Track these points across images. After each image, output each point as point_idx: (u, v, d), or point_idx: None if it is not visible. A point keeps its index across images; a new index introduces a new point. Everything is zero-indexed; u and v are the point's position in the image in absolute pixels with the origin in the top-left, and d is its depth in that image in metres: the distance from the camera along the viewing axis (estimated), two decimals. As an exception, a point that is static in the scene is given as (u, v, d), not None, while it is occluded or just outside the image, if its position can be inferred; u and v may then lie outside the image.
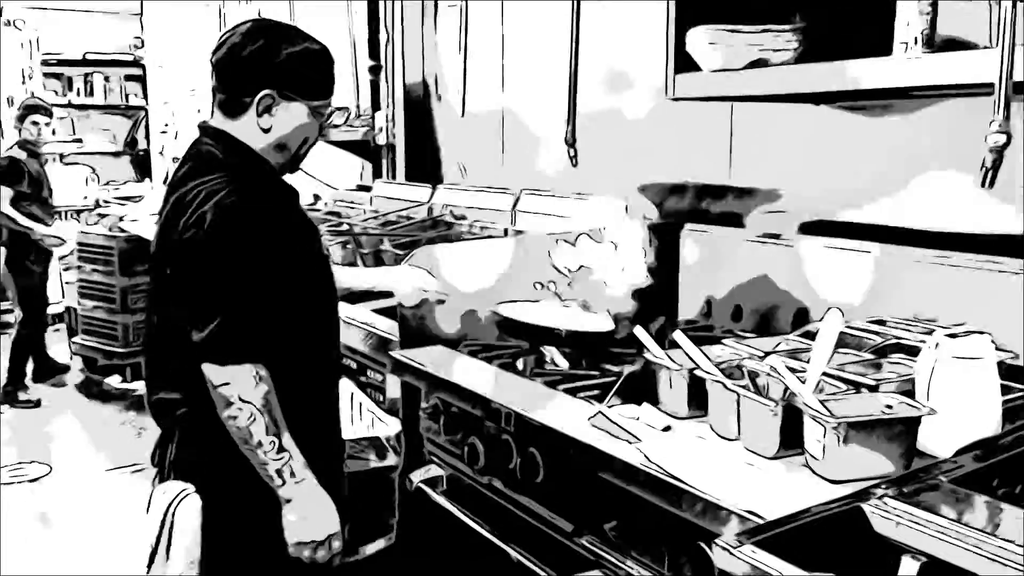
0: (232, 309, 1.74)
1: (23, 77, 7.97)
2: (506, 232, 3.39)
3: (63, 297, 6.46)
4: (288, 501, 1.78)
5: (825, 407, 1.51)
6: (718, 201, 2.76)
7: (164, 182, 6.60)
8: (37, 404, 5.63)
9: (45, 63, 8.11)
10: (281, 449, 1.75)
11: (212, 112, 1.91)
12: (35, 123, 5.72)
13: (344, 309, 2.93)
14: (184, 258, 1.78)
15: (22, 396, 5.66)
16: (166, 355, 1.90)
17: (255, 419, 1.72)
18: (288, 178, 1.97)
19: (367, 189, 4.53)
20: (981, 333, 1.59)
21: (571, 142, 2.94)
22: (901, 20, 1.73)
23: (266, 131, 1.85)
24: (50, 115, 5.87)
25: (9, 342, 5.86)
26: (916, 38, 1.69)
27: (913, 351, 1.79)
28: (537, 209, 3.29)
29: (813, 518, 1.32)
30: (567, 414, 1.87)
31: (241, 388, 1.72)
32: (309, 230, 1.97)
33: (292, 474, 1.76)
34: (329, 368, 2.02)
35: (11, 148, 5.81)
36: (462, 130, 4.05)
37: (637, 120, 3.04)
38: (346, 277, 2.42)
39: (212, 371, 1.72)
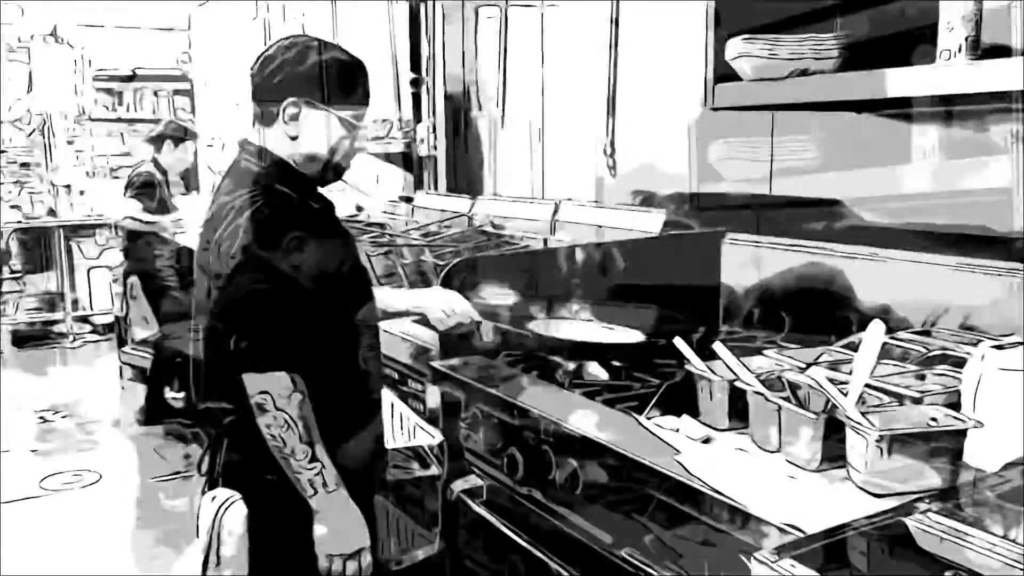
0: (265, 319, 1.77)
1: (75, 92, 8.19)
2: (545, 242, 3.39)
3: (112, 307, 6.60)
4: (318, 512, 1.80)
5: (867, 419, 1.49)
6: (759, 210, 2.74)
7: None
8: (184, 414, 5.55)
9: (96, 79, 8.32)
10: (313, 459, 1.77)
11: (252, 123, 1.96)
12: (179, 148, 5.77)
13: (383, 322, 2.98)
14: (220, 269, 1.82)
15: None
16: (212, 364, 1.94)
17: (289, 428, 1.75)
18: (331, 188, 2.01)
19: (409, 200, 4.57)
20: (1028, 344, 1.56)
21: (610, 152, 2.93)
22: (944, 26, 1.70)
23: (293, 139, 1.89)
24: (194, 138, 5.92)
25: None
26: (960, 45, 1.66)
27: (959, 362, 1.76)
28: (577, 219, 3.29)
29: (855, 532, 1.31)
30: (606, 425, 1.87)
31: (276, 397, 1.75)
32: (344, 241, 2.00)
33: (324, 484, 1.79)
34: (367, 380, 2.04)
35: (143, 164, 5.80)
36: (502, 140, 4.07)
37: (676, 129, 3.03)
38: (378, 300, 2.41)
39: (249, 380, 1.76)
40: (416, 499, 2.59)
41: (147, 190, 5.62)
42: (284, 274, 1.80)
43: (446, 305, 2.31)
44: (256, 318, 1.78)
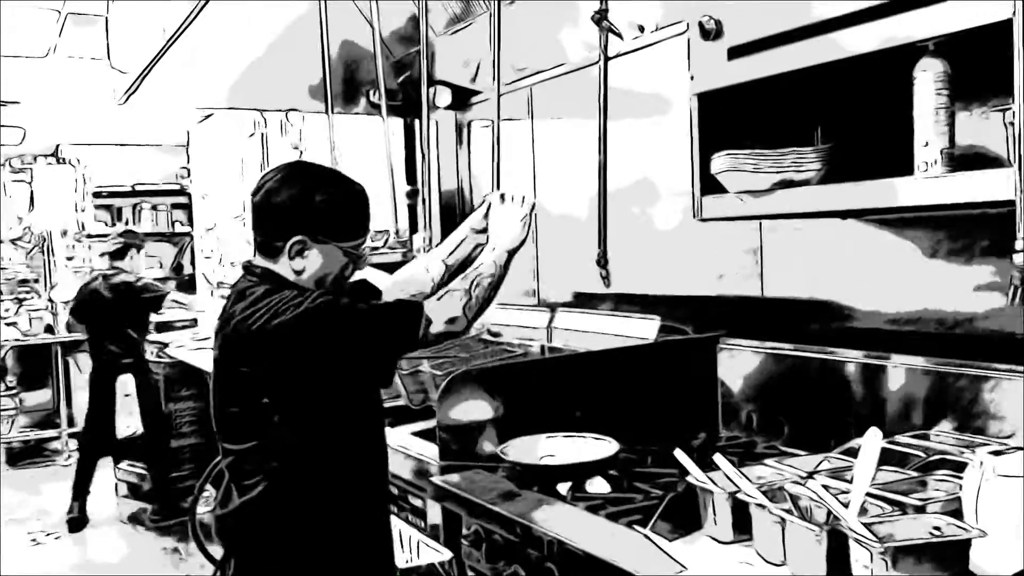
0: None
1: (76, 209, 8.33)
2: (543, 349, 3.42)
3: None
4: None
5: (871, 531, 1.49)
6: (752, 314, 2.78)
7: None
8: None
9: (96, 195, 8.48)
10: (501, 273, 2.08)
11: (254, 252, 2.00)
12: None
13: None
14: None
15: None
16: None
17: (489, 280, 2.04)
18: None
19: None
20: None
21: (603, 263, 2.98)
22: (920, 140, 1.77)
23: (298, 272, 1.93)
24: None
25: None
26: (936, 159, 1.73)
27: (959, 466, 1.76)
28: (573, 326, 3.33)
29: (865, 651, 1.29)
30: (610, 541, 1.85)
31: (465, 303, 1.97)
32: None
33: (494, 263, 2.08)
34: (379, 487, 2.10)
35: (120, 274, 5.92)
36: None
37: (668, 236, 3.10)
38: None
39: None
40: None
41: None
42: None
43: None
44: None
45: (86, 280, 6.10)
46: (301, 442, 1.87)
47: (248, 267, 1.99)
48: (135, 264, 5.89)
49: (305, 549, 1.89)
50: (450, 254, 2.40)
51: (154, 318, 5.89)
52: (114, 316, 5.72)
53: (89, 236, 8.41)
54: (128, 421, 6.04)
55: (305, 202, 1.89)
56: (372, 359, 1.92)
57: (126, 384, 5.85)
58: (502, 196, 2.31)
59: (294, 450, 1.88)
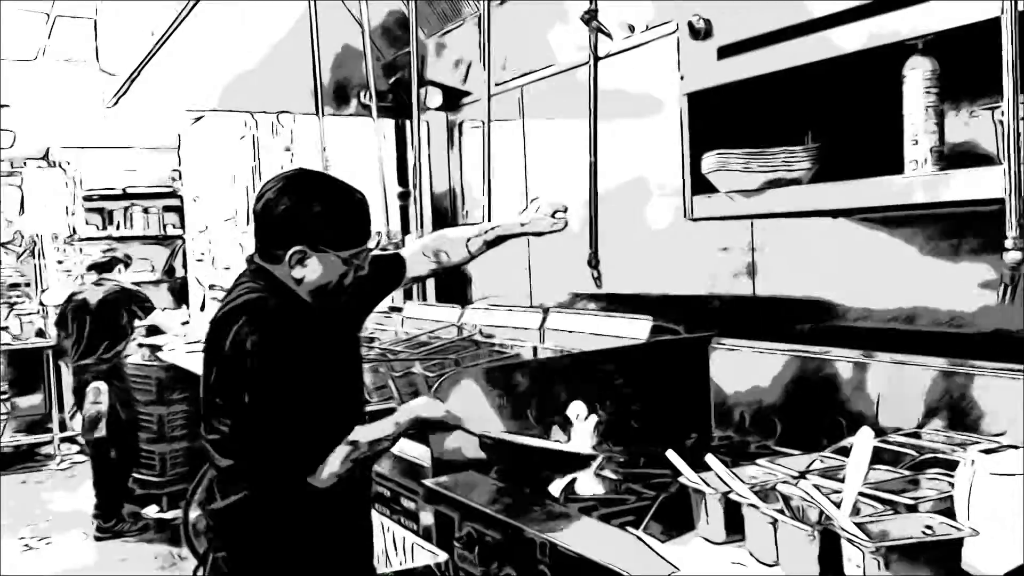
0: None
1: (66, 213, 8.30)
2: (535, 351, 3.41)
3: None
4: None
5: (863, 531, 1.49)
6: (744, 314, 2.77)
7: (200, 309, 6.76)
8: (145, 528, 5.69)
9: (87, 198, 8.45)
10: (395, 438, 2.03)
11: (254, 255, 2.01)
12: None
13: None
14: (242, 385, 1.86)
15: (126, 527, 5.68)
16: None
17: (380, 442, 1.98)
18: None
19: (398, 310, 4.60)
20: (1016, 448, 1.56)
21: (594, 264, 2.98)
22: (909, 138, 1.77)
23: (299, 281, 1.94)
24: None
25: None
26: (926, 157, 1.73)
27: (951, 465, 1.76)
28: (565, 326, 3.32)
29: (858, 651, 1.29)
30: (602, 543, 1.85)
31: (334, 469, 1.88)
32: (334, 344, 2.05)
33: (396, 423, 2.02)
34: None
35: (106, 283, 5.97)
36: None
37: (659, 236, 3.09)
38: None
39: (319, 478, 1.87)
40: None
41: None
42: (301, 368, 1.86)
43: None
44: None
45: (71, 292, 6.11)
46: (276, 446, 1.87)
47: (248, 259, 2.02)
48: (122, 280, 5.97)
49: (284, 552, 1.89)
50: (487, 238, 2.43)
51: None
52: (100, 323, 5.75)
53: (80, 239, 8.39)
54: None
55: (304, 213, 1.90)
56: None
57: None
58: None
59: (269, 453, 1.88)
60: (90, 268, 6.02)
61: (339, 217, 1.94)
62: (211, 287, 7.20)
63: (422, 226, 4.53)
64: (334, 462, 1.90)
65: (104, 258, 6.02)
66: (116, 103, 4.49)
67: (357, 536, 2.16)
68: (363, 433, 1.99)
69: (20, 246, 8.11)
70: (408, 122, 4.57)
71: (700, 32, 2.10)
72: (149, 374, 5.77)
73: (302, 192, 1.93)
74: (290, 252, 1.90)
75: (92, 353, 5.78)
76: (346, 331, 2.15)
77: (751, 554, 1.72)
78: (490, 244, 2.44)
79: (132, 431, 5.75)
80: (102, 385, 5.72)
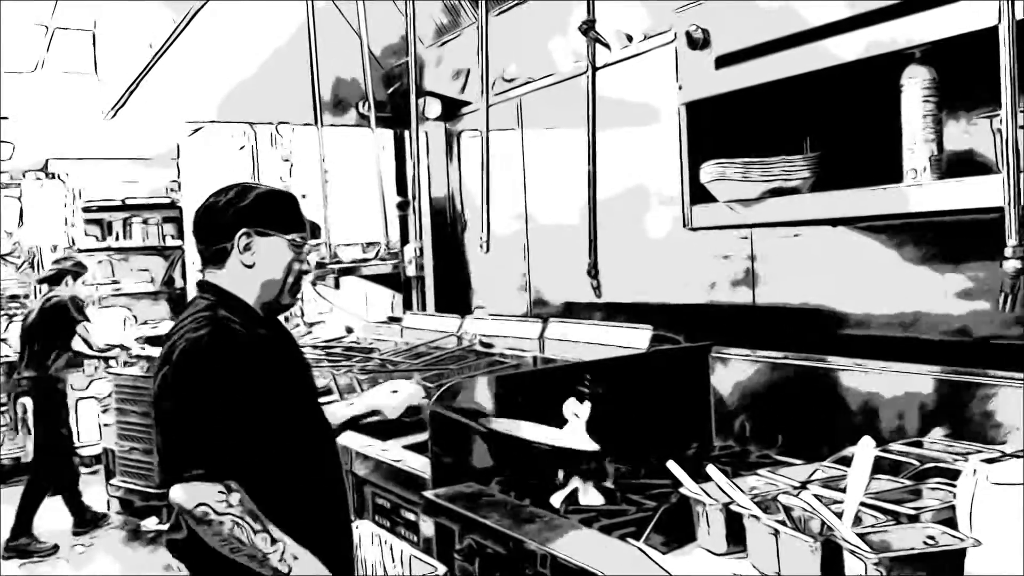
0: (196, 432, 1.83)
1: (65, 224, 8.29)
2: (535, 360, 3.41)
3: (101, 439, 6.51)
4: None
5: (865, 541, 1.48)
6: (744, 323, 2.77)
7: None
8: (55, 550, 5.61)
9: (86, 210, 8.44)
10: (274, 541, 1.81)
11: (203, 268, 2.09)
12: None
13: (376, 446, 2.95)
14: (157, 395, 1.91)
15: (33, 546, 5.62)
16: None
17: (239, 525, 1.78)
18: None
19: (398, 320, 4.59)
20: (1018, 457, 1.56)
21: (594, 274, 2.97)
22: (908, 147, 1.77)
23: (250, 267, 2.02)
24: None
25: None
26: (924, 166, 1.73)
27: (953, 474, 1.76)
28: (565, 336, 3.31)
29: (861, 664, 1.28)
30: (603, 554, 1.84)
31: (214, 504, 1.77)
32: (282, 364, 2.06)
33: (294, 557, 1.82)
34: (322, 493, 2.07)
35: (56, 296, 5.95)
36: (488, 258, 4.13)
37: (658, 245, 3.09)
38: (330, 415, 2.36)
39: (180, 495, 1.79)
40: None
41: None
42: (217, 392, 1.85)
43: (399, 396, 2.37)
44: (187, 430, 1.84)
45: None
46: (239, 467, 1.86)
47: (199, 282, 2.10)
48: (73, 291, 5.94)
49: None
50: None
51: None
52: (34, 338, 5.81)
53: (79, 250, 8.37)
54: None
55: (242, 200, 2.03)
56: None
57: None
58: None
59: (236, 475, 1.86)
60: (40, 282, 6.04)
61: (275, 201, 2.07)
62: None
63: (421, 236, 4.52)
64: None
65: (51, 271, 6.04)
66: (115, 114, 4.49)
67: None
68: None
69: (19, 258, 8.10)
70: (407, 132, 4.57)
71: (698, 42, 2.10)
72: (147, 386, 5.76)
73: (239, 189, 2.06)
74: (237, 236, 2.00)
75: (28, 368, 5.83)
76: (291, 351, 2.16)
77: (753, 565, 1.72)
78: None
79: (51, 450, 5.76)
80: (28, 401, 5.74)
